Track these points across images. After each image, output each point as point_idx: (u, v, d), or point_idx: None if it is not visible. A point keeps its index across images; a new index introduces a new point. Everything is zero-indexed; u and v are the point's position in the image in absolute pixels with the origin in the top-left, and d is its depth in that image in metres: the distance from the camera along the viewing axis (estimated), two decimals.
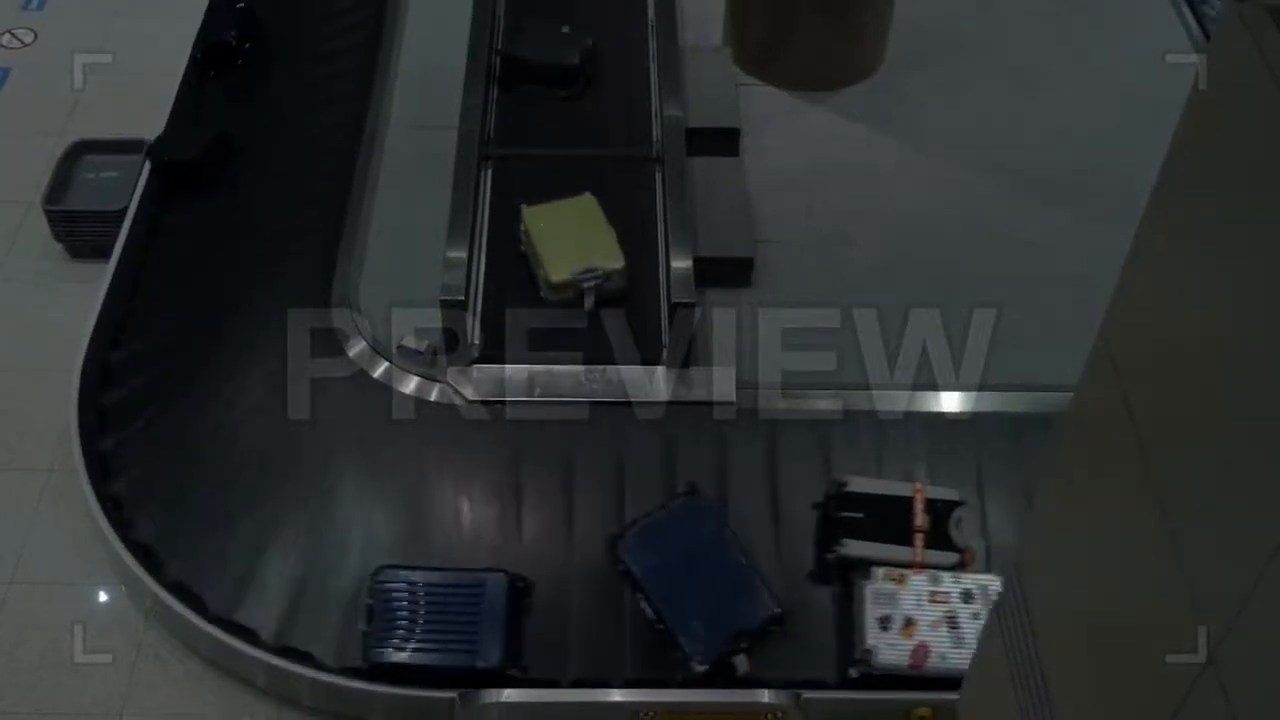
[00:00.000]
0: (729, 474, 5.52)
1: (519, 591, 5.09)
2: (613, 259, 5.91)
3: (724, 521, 5.28)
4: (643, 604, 5.05)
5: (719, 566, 5.12)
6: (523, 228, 6.07)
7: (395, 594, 5.01)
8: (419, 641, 4.94)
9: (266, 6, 7.54)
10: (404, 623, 4.96)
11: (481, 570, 5.12)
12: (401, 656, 4.92)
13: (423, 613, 4.98)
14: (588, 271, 5.83)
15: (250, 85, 7.29)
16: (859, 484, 5.26)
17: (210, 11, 7.43)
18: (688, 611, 4.98)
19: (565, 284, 5.85)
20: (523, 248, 6.08)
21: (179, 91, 7.04)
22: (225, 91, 7.19)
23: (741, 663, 4.90)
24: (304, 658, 5.00)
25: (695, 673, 4.89)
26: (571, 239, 5.96)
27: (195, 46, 7.24)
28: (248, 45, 7.32)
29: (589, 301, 5.86)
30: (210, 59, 7.23)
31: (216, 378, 5.90)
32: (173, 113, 6.91)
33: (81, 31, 7.96)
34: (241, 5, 7.42)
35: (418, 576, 5.08)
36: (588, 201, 6.17)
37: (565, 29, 7.15)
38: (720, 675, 4.90)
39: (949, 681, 4.43)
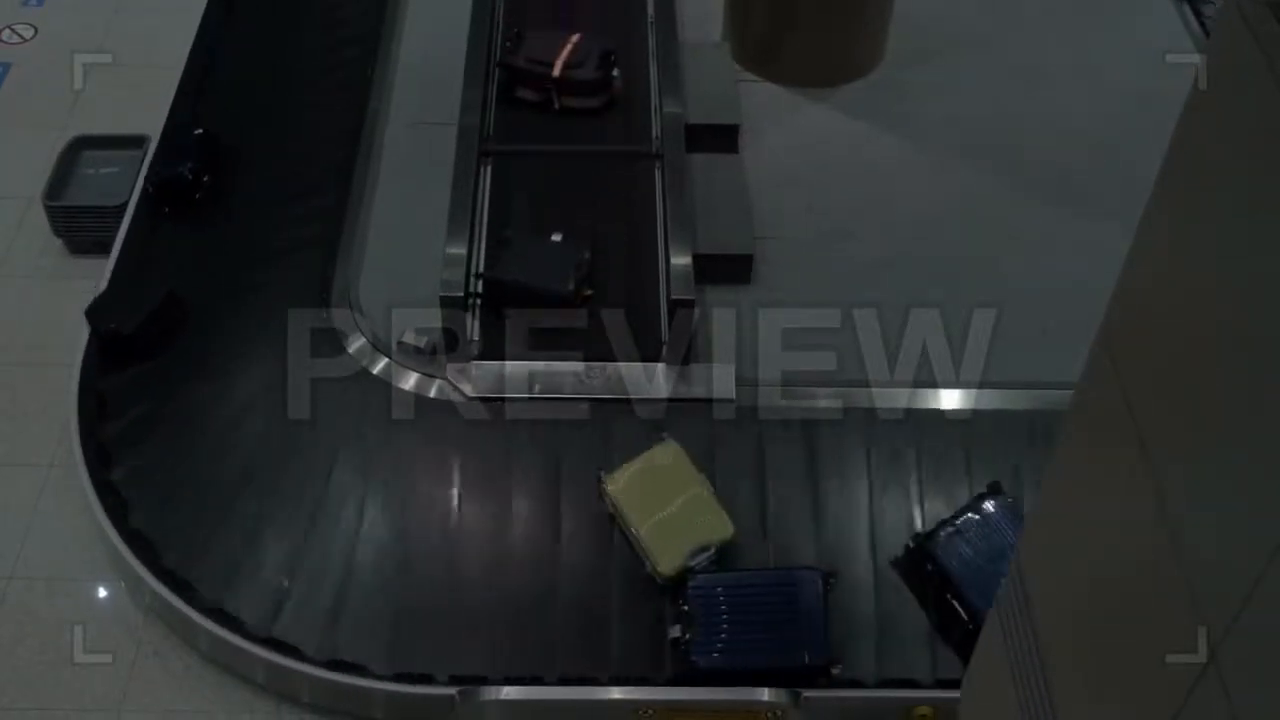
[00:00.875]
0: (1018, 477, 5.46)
1: (828, 586, 5.04)
2: (722, 529, 5.21)
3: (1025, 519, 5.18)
4: (954, 603, 5.01)
5: None
6: (607, 498, 5.36)
7: (714, 599, 4.95)
8: (743, 644, 4.89)
9: (227, 130, 6.75)
10: (725, 627, 4.90)
11: (792, 568, 5.10)
12: (728, 661, 4.87)
13: (743, 615, 4.93)
14: (701, 551, 5.15)
15: (205, 229, 6.44)
16: None
17: (163, 141, 6.66)
18: None
19: (678, 572, 5.15)
20: (610, 509, 5.35)
21: (126, 234, 6.30)
22: (179, 234, 6.39)
23: None
24: (304, 654, 4.99)
25: None
26: (674, 516, 5.21)
27: (147, 180, 6.47)
28: (206, 178, 6.49)
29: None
30: (163, 194, 6.45)
31: (217, 375, 5.90)
32: (118, 262, 6.21)
33: (81, 27, 7.96)
34: (200, 132, 6.65)
35: (732, 578, 5.05)
36: (671, 453, 5.41)
37: (556, 237, 6.08)
38: None
39: None
